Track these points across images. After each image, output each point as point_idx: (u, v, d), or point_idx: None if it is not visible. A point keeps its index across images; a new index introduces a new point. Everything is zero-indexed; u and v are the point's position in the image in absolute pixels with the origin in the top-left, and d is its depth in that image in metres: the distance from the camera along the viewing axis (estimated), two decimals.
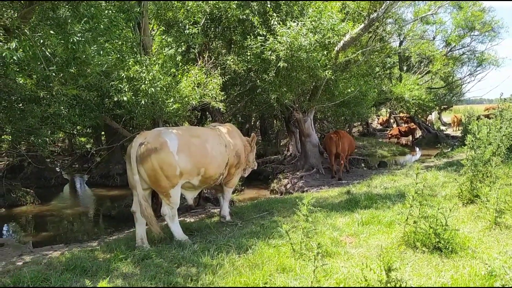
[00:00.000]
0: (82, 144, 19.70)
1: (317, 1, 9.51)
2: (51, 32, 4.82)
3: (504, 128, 7.22)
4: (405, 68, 22.24)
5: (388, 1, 9.69)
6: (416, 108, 19.87)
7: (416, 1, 18.10)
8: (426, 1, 13.50)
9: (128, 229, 7.77)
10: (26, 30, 4.87)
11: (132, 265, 4.42)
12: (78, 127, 9.97)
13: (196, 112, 12.56)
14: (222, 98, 8.80)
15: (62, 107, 7.46)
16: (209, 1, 9.49)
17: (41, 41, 4.85)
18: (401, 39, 20.41)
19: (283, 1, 9.76)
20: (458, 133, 22.24)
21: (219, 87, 8.74)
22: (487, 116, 12.08)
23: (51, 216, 10.62)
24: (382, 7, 9.79)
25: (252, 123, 20.35)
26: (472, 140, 5.77)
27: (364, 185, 9.01)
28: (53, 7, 5.05)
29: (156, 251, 4.82)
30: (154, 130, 5.50)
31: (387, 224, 5.26)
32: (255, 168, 7.57)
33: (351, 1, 10.74)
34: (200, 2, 9.49)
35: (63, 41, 5.00)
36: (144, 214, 5.09)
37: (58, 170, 16.81)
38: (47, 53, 4.96)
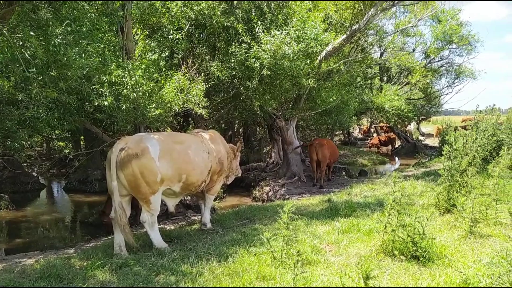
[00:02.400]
0: (60, 148, 19.24)
1: (301, 10, 9.64)
2: (31, 33, 4.72)
3: (479, 139, 7.45)
4: (385, 78, 22.77)
5: (370, 12, 9.91)
6: (396, 118, 20.30)
7: (398, 8, 18.54)
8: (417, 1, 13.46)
9: (106, 236, 7.60)
10: (4, 31, 4.76)
11: (110, 273, 4.32)
12: (56, 131, 9.73)
13: (178, 118, 12.48)
14: (205, 105, 8.77)
15: (41, 110, 7.28)
16: (197, 6, 9.47)
17: (21, 42, 4.75)
18: (382, 50, 20.90)
19: (268, 10, 9.86)
20: (436, 143, 22.77)
21: (203, 93, 8.71)
22: (464, 128, 12.44)
23: (26, 222, 10.30)
24: (364, 19, 10.02)
25: (235, 130, 20.35)
26: (449, 151, 5.93)
27: (345, 194, 9.11)
28: (34, 8, 4.96)
29: (135, 258, 4.74)
30: (136, 136, 5.43)
31: (366, 233, 5.33)
32: (239, 175, 7.56)
33: (335, 11, 10.95)
34: (185, 8, 9.48)
35: (43, 43, 4.91)
36: (118, 222, 5.00)
37: (35, 175, 16.36)
38: (27, 55, 4.85)
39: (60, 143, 19.37)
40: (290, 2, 9.94)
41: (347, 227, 5.68)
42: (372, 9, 9.96)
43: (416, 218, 4.31)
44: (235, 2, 10.09)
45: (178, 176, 5.45)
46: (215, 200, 10.00)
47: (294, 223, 5.83)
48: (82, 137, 16.46)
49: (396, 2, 10.19)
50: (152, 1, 9.25)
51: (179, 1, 9.37)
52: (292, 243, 4.28)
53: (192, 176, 5.65)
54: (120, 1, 7.70)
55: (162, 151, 5.21)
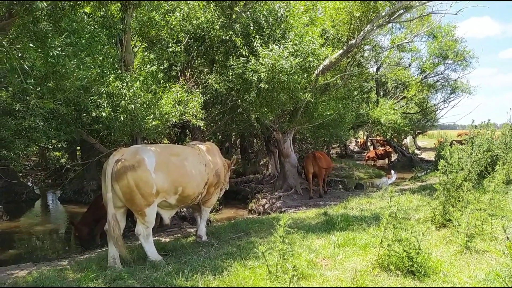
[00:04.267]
0: (56, 158, 19.16)
1: (299, 25, 9.77)
2: (31, 45, 4.75)
3: (475, 154, 7.50)
4: (381, 93, 22.96)
5: (367, 28, 10.06)
6: (392, 132, 20.42)
7: (394, 24, 18.78)
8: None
9: (100, 248, 7.53)
10: (4, 42, 4.79)
11: (103, 286, 4.27)
12: (53, 141, 9.71)
13: (176, 129, 12.49)
14: (203, 116, 8.81)
15: (38, 120, 7.29)
16: (196, 20, 9.57)
17: (20, 54, 4.78)
18: (378, 65, 21.13)
19: (266, 25, 9.97)
20: (432, 157, 22.86)
21: (200, 105, 8.75)
22: (460, 142, 12.52)
23: (19, 233, 10.19)
24: (360, 34, 10.16)
25: (232, 142, 20.38)
26: (444, 165, 5.95)
27: (341, 207, 9.10)
28: (33, 20, 5.00)
29: (129, 271, 4.69)
30: (132, 147, 5.43)
31: (363, 247, 5.31)
32: (227, 188, 7.54)
33: (332, 26, 11.10)
34: (184, 21, 9.58)
35: (42, 55, 4.94)
36: (111, 234, 4.96)
37: (30, 185, 16.26)
38: (25, 66, 4.87)
39: (56, 153, 19.32)
40: (288, 17, 10.07)
41: (343, 241, 5.66)
42: (368, 25, 10.11)
43: (412, 232, 4.31)
44: (234, 16, 10.22)
45: (174, 188, 5.44)
46: (211, 212, 9.96)
47: (290, 236, 5.82)
48: (78, 148, 16.42)
49: (392, 18, 10.33)
50: (152, 14, 9.35)
51: (178, 14, 9.48)
52: (288, 257, 4.25)
53: (188, 188, 5.63)
54: (119, 15, 7.79)
55: (158, 163, 5.20)
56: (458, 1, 22.06)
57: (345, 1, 10.57)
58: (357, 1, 10.12)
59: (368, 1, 10.02)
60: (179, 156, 5.66)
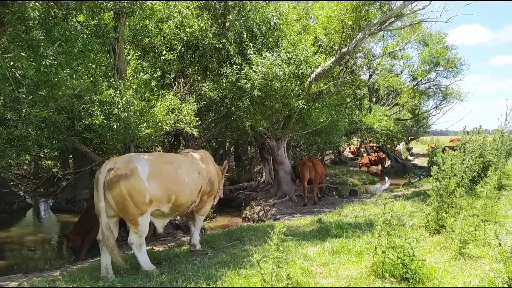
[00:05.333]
0: (48, 167, 18.97)
1: (292, 33, 9.83)
2: (22, 54, 4.74)
3: (467, 160, 7.57)
4: (374, 99, 23.16)
5: (359, 36, 10.16)
6: (385, 138, 20.54)
7: (386, 32, 19.00)
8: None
9: (92, 258, 7.44)
10: None
11: None
12: (45, 150, 9.62)
13: (169, 137, 12.45)
14: (197, 124, 8.79)
15: (30, 129, 7.22)
16: (189, 28, 9.59)
17: (11, 62, 4.76)
18: (371, 72, 21.34)
19: (260, 33, 10.03)
20: (425, 163, 23.02)
21: (194, 113, 8.75)
22: (452, 148, 12.62)
23: (10, 243, 10.04)
24: (352, 42, 10.26)
25: (226, 149, 20.33)
26: (437, 172, 6.00)
27: (335, 214, 9.11)
28: (26, 29, 4.98)
29: (121, 281, 4.64)
30: (125, 156, 5.39)
31: (357, 254, 5.31)
32: (221, 196, 7.51)
33: (324, 34, 11.20)
34: (177, 30, 9.61)
35: (34, 64, 4.92)
36: (105, 243, 4.91)
37: (22, 194, 16.06)
38: (17, 75, 4.85)
39: (49, 162, 19.14)
40: (281, 25, 10.14)
41: (337, 248, 5.66)
42: (360, 33, 10.21)
43: (406, 239, 4.31)
44: (227, 24, 10.27)
45: (168, 197, 5.41)
46: (205, 220, 9.90)
47: (284, 244, 5.79)
48: (70, 156, 16.28)
49: (384, 26, 10.46)
50: (145, 23, 9.36)
51: (171, 23, 9.50)
52: (282, 265, 4.23)
53: (181, 197, 5.60)
54: (112, 24, 7.79)
55: (151, 172, 5.17)
56: (447, 8, 22.41)
57: (337, 10, 10.68)
58: (349, 10, 10.23)
59: (359, 10, 10.14)
60: (173, 165, 5.63)
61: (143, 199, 5.05)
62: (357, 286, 4.12)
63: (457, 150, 9.91)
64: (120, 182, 4.92)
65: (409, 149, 33.61)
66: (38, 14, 4.88)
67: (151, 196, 5.14)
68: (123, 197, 4.94)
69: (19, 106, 5.45)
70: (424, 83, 22.88)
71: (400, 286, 4.11)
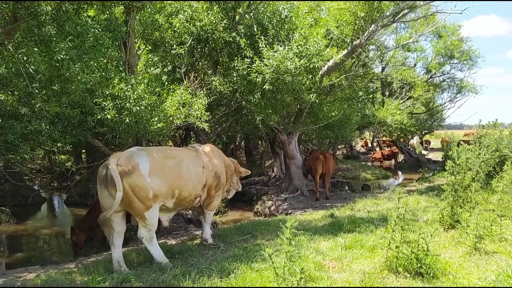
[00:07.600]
0: (62, 162, 19.24)
1: (303, 26, 9.73)
2: (35, 49, 4.77)
3: (483, 155, 7.41)
4: (387, 93, 22.83)
5: (371, 28, 9.99)
6: (398, 132, 20.28)
7: (399, 24, 18.68)
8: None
9: (107, 251, 7.52)
10: (9, 47, 4.81)
11: None
12: (58, 145, 9.75)
13: (180, 131, 12.50)
14: (207, 119, 8.79)
15: (43, 124, 7.31)
16: (199, 22, 9.57)
17: (25, 58, 4.80)
18: (383, 65, 21.02)
19: (271, 26, 9.95)
20: (439, 158, 22.69)
21: (204, 107, 8.75)
22: (467, 142, 12.38)
23: (27, 236, 10.24)
24: (365, 34, 10.09)
25: (237, 144, 20.37)
26: (452, 166, 5.88)
27: (348, 209, 9.03)
28: (38, 24, 5.01)
29: (136, 274, 4.68)
30: (126, 152, 5.33)
31: (370, 249, 5.26)
32: (239, 189, 7.48)
33: (336, 27, 11.05)
34: (188, 23, 9.59)
35: (46, 58, 4.95)
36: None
37: (36, 188, 16.33)
38: (30, 70, 4.89)
39: (62, 156, 19.41)
40: (292, 17, 10.03)
41: (350, 243, 5.60)
42: (372, 25, 10.03)
43: (420, 234, 4.25)
44: (237, 17, 10.21)
45: (171, 191, 5.40)
46: (216, 214, 9.93)
47: (296, 238, 5.76)
48: (83, 151, 16.48)
49: (397, 18, 10.26)
50: (155, 17, 9.37)
51: (181, 16, 9.49)
52: (295, 259, 4.20)
53: (184, 191, 5.58)
54: (123, 18, 7.80)
55: (152, 168, 5.15)
56: (462, 0, 21.92)
57: (349, 1, 10.51)
58: (361, 1, 10.05)
59: (372, 2, 9.95)
60: (174, 159, 5.59)
61: (146, 195, 5.05)
62: (370, 284, 4.07)
63: (472, 144, 9.71)
64: (123, 178, 4.92)
65: (426, 143, 33.16)
66: (50, 8, 4.91)
67: (155, 192, 5.13)
68: (127, 193, 4.94)
69: (33, 101, 5.50)
70: (438, 76, 22.45)
71: (414, 281, 4.05)
